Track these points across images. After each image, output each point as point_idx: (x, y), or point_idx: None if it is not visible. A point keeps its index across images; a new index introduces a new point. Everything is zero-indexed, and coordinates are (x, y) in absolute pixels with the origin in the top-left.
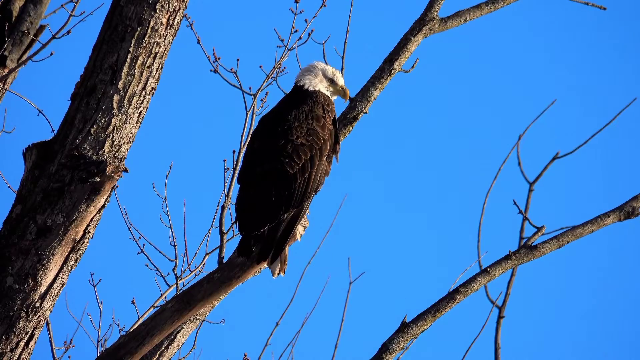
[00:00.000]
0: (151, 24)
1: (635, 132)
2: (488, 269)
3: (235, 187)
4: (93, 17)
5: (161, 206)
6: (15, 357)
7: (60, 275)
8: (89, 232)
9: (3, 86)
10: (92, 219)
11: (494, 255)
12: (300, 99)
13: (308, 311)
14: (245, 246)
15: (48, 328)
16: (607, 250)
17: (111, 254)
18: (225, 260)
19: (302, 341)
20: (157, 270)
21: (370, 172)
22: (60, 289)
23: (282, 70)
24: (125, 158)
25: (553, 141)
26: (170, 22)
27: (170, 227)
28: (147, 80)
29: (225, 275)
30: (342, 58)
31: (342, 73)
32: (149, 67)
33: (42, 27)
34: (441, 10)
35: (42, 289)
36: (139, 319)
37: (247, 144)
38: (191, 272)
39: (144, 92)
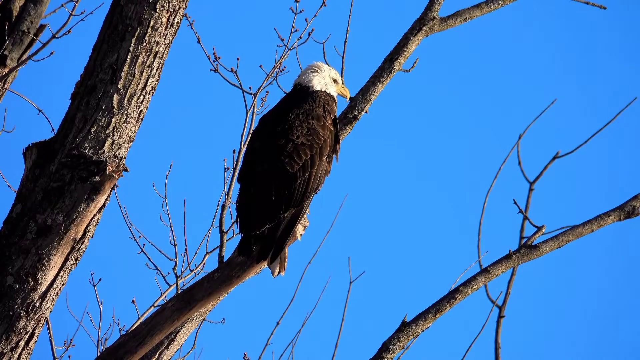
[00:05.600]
0: (151, 23)
1: (635, 132)
2: (488, 268)
3: (236, 187)
4: (93, 17)
5: (161, 206)
6: (16, 356)
7: (61, 274)
8: (89, 231)
9: (3, 85)
10: (92, 218)
11: (494, 254)
12: (300, 99)
13: (308, 311)
14: (245, 245)
15: (48, 327)
16: (608, 250)
17: (111, 253)
18: (225, 259)
19: (302, 341)
20: (157, 269)
21: (370, 172)
22: (60, 289)
23: (282, 69)
24: (125, 157)
25: (553, 141)
26: (171, 22)
27: (171, 227)
28: (147, 79)
29: (225, 275)
30: (342, 58)
31: (342, 73)
32: (149, 66)
33: (42, 27)
34: (441, 10)
35: (42, 288)
36: (139, 318)
37: (247, 143)
38: (191, 271)
39: (144, 92)
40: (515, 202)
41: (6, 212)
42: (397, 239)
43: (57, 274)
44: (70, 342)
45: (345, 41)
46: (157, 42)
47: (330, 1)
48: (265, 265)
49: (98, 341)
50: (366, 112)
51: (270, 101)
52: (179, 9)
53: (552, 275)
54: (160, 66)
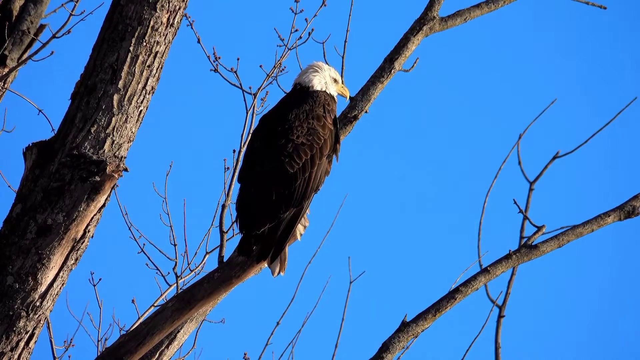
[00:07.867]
0: (151, 23)
1: (635, 132)
2: (488, 268)
3: (236, 187)
4: (93, 17)
5: (161, 205)
6: (16, 356)
7: (61, 274)
8: (89, 231)
9: (3, 85)
10: (92, 218)
11: (494, 254)
12: (301, 99)
13: (308, 311)
14: (245, 245)
15: (48, 327)
16: (608, 250)
17: (111, 253)
18: (225, 259)
19: (302, 341)
20: (157, 269)
21: (370, 172)
22: (60, 288)
23: (283, 69)
24: (125, 157)
25: (553, 141)
26: (171, 22)
27: (171, 227)
28: (148, 79)
29: (225, 275)
30: (342, 58)
31: (342, 73)
32: (149, 66)
33: (42, 27)
34: (441, 10)
35: (43, 288)
36: (139, 318)
37: (247, 143)
38: (191, 271)
39: (144, 92)
40: (515, 202)
41: (6, 212)
42: (397, 239)
43: (57, 274)
44: (70, 342)
45: (345, 41)
46: (157, 42)
47: (330, 1)
48: (265, 265)
49: (98, 341)
50: (366, 112)
51: (270, 101)
52: (179, 8)
53: (552, 275)
54: (160, 66)
